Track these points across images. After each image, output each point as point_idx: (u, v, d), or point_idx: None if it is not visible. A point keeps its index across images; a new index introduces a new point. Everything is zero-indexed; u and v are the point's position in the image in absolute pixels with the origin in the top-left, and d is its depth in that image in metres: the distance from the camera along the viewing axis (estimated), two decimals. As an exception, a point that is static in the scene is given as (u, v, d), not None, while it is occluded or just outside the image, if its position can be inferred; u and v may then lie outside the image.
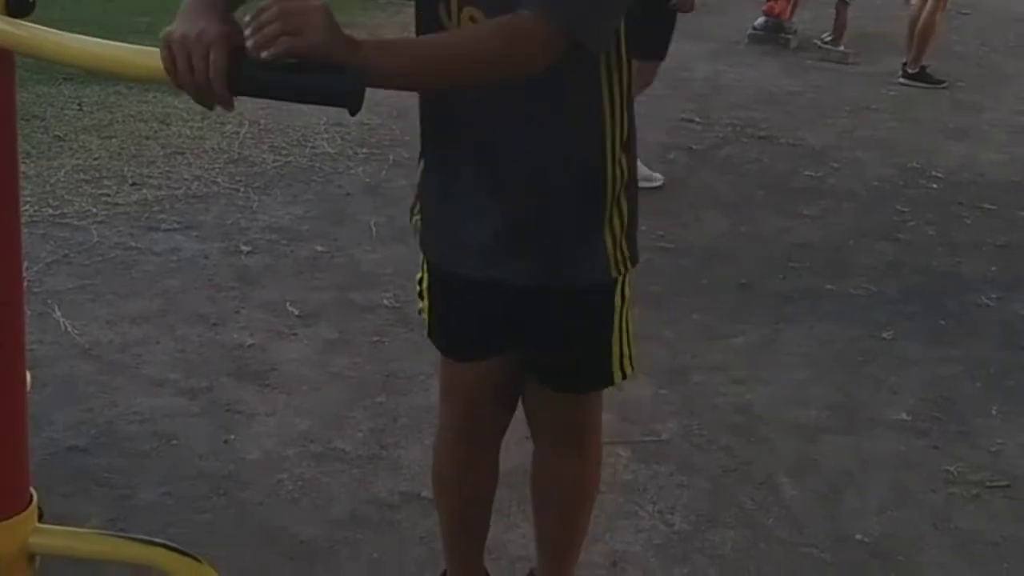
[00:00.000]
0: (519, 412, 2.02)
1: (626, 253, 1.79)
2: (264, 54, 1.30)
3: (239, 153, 4.95)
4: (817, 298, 3.91)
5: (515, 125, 1.66)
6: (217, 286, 3.67)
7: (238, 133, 5.17)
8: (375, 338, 3.38)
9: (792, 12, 8.24)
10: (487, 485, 2.11)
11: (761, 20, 8.22)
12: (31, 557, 1.65)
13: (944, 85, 7.26)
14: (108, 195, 4.34)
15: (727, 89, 6.58)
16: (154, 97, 5.49)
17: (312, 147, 5.11)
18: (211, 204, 4.36)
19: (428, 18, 1.64)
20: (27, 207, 4.04)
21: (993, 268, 4.29)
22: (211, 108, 1.37)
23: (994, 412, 3.19)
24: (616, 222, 1.76)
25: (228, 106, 1.35)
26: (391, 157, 4.96)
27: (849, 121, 6.33)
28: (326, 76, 1.34)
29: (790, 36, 8.17)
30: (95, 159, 4.71)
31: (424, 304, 1.93)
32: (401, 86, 1.53)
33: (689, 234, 4.38)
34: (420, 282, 1.92)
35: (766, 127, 6.00)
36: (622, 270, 1.80)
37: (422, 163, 1.82)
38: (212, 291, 3.64)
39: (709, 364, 3.36)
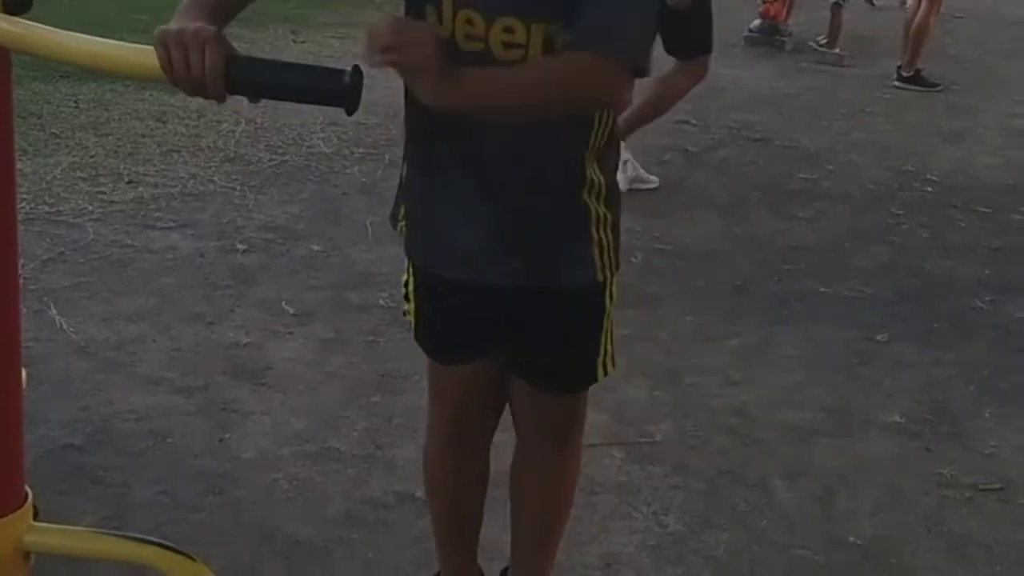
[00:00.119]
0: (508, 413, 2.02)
1: (612, 256, 1.80)
2: (370, 63, 1.39)
3: (235, 152, 4.95)
4: (811, 300, 3.91)
5: (503, 128, 1.66)
6: (213, 285, 3.67)
7: (234, 132, 5.17)
8: (370, 338, 3.38)
9: (788, 14, 8.26)
10: (478, 486, 2.12)
11: (757, 22, 8.24)
12: (26, 555, 1.65)
13: (939, 88, 7.28)
14: (104, 193, 4.35)
15: (722, 91, 6.59)
16: (150, 95, 5.49)
17: (308, 146, 5.11)
18: (207, 202, 4.36)
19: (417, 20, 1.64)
20: (23, 204, 4.04)
21: (987, 271, 4.29)
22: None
23: (987, 415, 3.20)
24: (602, 224, 1.76)
25: (220, 100, 1.38)
26: (387, 157, 4.95)
27: (844, 124, 6.34)
28: (324, 75, 1.35)
29: (785, 38, 8.19)
30: (91, 157, 4.71)
31: (410, 307, 1.92)
32: (472, 110, 1.56)
33: (684, 236, 4.37)
34: (406, 284, 1.91)
35: (761, 129, 6.01)
36: (608, 274, 1.80)
37: (406, 166, 1.82)
38: (208, 290, 3.64)
39: (703, 366, 3.36)
